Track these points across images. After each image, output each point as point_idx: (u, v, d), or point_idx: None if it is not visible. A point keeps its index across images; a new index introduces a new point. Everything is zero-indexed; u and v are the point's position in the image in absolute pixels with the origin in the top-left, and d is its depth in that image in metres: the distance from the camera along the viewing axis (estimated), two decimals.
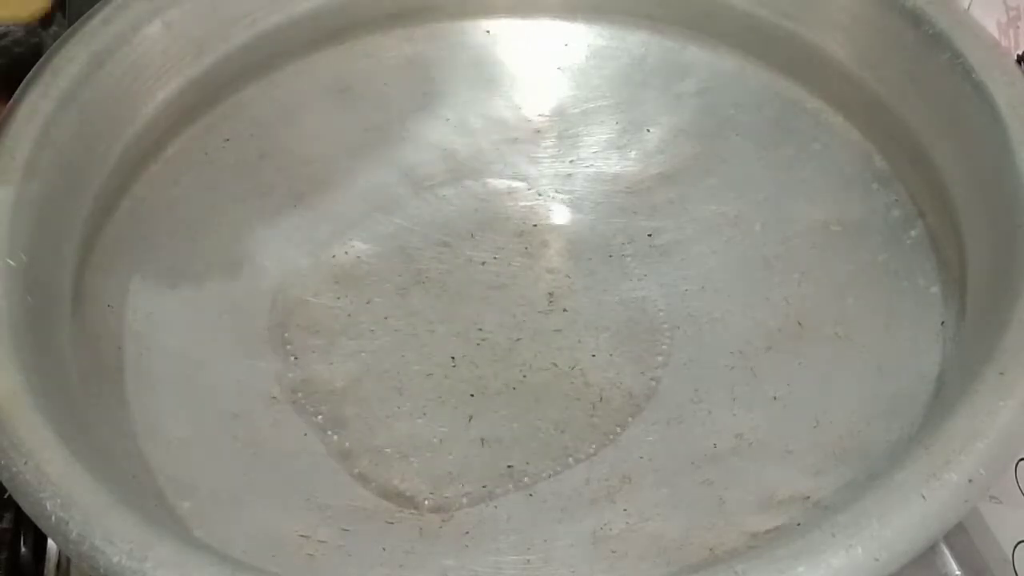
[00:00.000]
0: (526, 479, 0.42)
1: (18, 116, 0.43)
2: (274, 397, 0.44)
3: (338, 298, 0.48)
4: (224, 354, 0.46)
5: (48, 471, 0.34)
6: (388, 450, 0.43)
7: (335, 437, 0.43)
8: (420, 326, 0.47)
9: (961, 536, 0.45)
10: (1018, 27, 0.45)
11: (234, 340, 0.46)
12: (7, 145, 0.43)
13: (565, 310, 0.48)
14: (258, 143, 0.52)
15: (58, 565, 0.45)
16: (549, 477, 0.42)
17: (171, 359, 0.45)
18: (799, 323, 0.46)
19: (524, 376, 0.46)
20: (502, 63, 0.56)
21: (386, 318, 0.48)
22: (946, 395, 0.39)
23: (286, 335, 0.47)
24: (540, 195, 0.52)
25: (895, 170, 0.49)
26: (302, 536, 0.40)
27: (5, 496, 0.35)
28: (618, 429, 0.44)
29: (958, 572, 0.45)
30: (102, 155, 0.46)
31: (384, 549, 0.40)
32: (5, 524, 0.45)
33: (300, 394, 0.45)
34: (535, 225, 0.51)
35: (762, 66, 0.53)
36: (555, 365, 0.46)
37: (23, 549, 0.45)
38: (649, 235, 0.50)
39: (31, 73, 0.45)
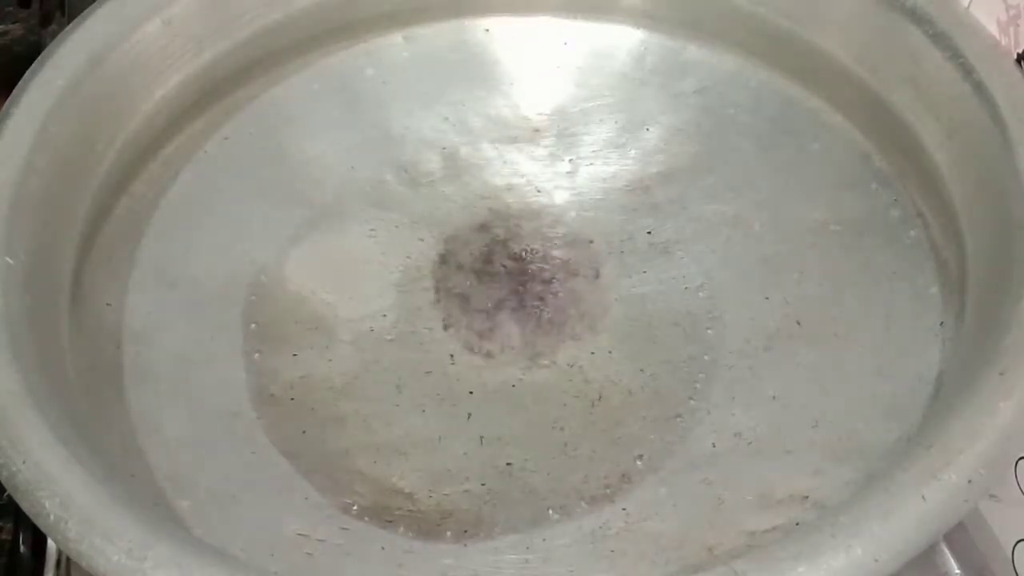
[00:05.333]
0: (525, 477, 0.42)
1: (17, 114, 0.43)
2: (272, 395, 0.44)
3: (337, 295, 0.48)
4: (223, 352, 0.45)
5: (47, 470, 0.34)
6: (387, 448, 0.43)
7: (334, 435, 0.43)
8: (419, 323, 0.47)
9: (961, 535, 0.45)
10: (1018, 25, 0.45)
11: (233, 338, 0.46)
12: (5, 143, 0.42)
13: (564, 308, 0.48)
14: (257, 141, 0.52)
15: (57, 564, 0.45)
16: (548, 475, 0.42)
17: (170, 357, 0.45)
18: (798, 323, 0.46)
19: (523, 374, 0.46)
20: (501, 62, 0.56)
21: (385, 315, 0.48)
22: (946, 395, 0.39)
23: (285, 332, 0.47)
24: (539, 192, 0.52)
25: (895, 170, 0.49)
26: (301, 535, 0.40)
27: (4, 496, 0.35)
28: (617, 427, 0.44)
29: (958, 571, 0.45)
30: (101, 153, 0.46)
31: (383, 548, 0.40)
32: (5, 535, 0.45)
33: (299, 391, 0.45)
34: (534, 223, 0.51)
35: (762, 66, 0.53)
36: (554, 363, 0.46)
37: (22, 548, 0.45)
38: (648, 233, 0.50)
39: (30, 71, 0.45)
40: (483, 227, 0.51)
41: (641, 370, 0.45)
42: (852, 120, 0.51)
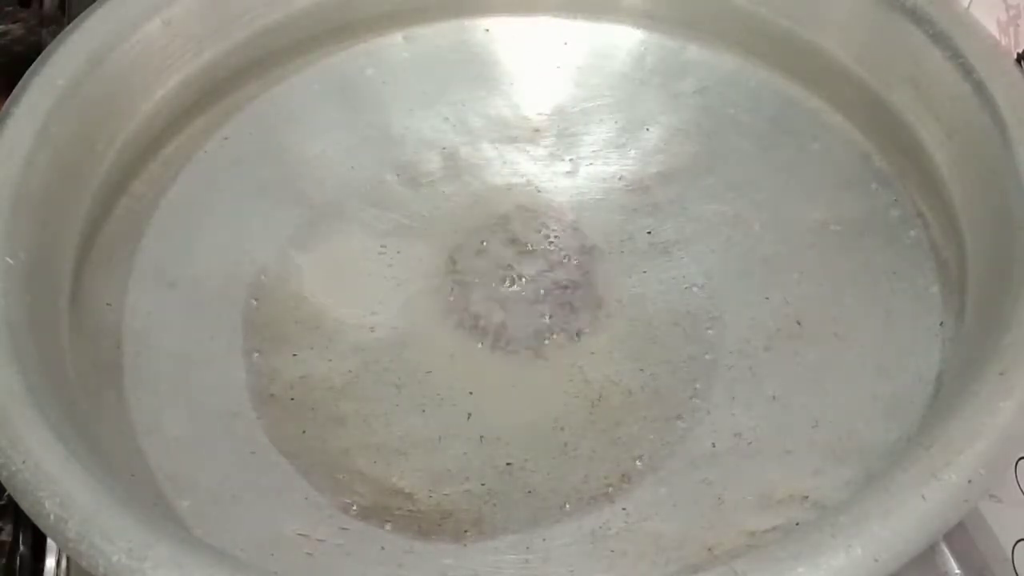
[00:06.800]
0: (525, 477, 0.42)
1: (17, 114, 0.43)
2: (272, 395, 0.44)
3: (337, 295, 0.48)
4: (222, 352, 0.45)
5: (47, 470, 0.34)
6: (387, 448, 0.43)
7: (334, 435, 0.43)
8: (419, 323, 0.47)
9: (961, 535, 0.45)
10: (1018, 25, 0.45)
11: (232, 338, 0.46)
12: (6, 142, 0.42)
13: (564, 308, 0.48)
14: (257, 141, 0.52)
15: (57, 564, 0.45)
16: (548, 475, 0.42)
17: (170, 357, 0.45)
18: (798, 323, 0.46)
19: (523, 374, 0.46)
20: (501, 62, 0.56)
21: (385, 315, 0.48)
22: (946, 395, 0.39)
23: (285, 332, 0.47)
24: (539, 192, 0.52)
25: (895, 170, 0.49)
26: (301, 535, 0.40)
27: (4, 496, 0.35)
28: (617, 427, 0.44)
29: (958, 571, 0.45)
30: (101, 153, 0.46)
31: (383, 548, 0.40)
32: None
33: (299, 391, 0.45)
34: (534, 223, 0.51)
35: (762, 65, 0.53)
36: (554, 363, 0.46)
37: (22, 548, 0.45)
38: (648, 233, 0.50)
39: (30, 70, 0.45)
40: (483, 227, 0.51)
41: (641, 370, 0.45)
42: (852, 120, 0.51)
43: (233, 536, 0.38)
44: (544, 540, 0.40)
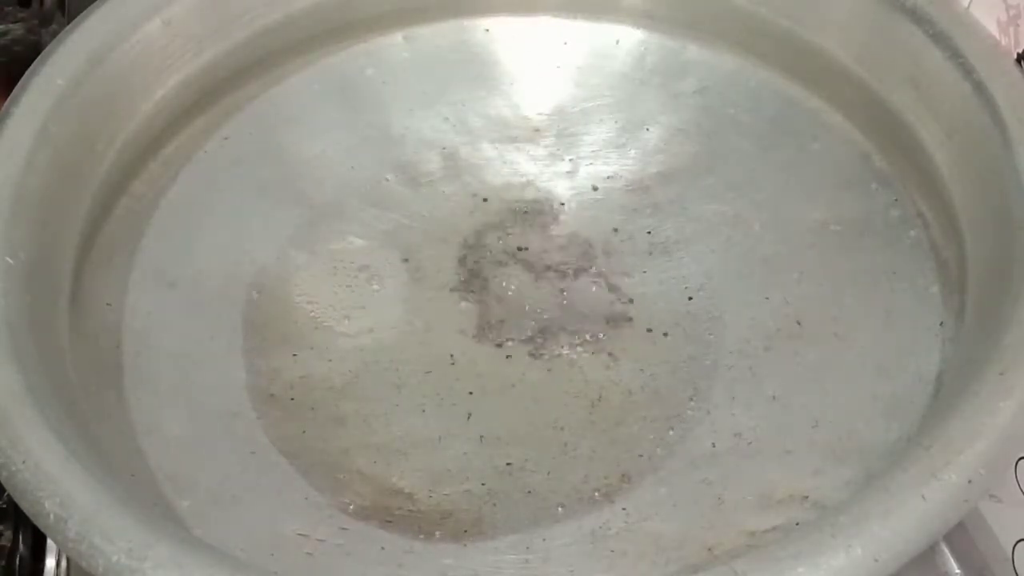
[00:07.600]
0: (525, 477, 0.42)
1: (17, 114, 0.43)
2: (272, 395, 0.44)
3: (337, 295, 0.48)
4: (222, 352, 0.45)
5: (47, 470, 0.33)
6: (387, 448, 0.43)
7: (334, 435, 0.43)
8: (419, 323, 0.47)
9: (961, 535, 0.45)
10: (1018, 25, 0.45)
11: (232, 338, 0.46)
12: (6, 142, 0.42)
13: (564, 308, 0.48)
14: (257, 141, 0.52)
15: (57, 564, 0.45)
16: (548, 475, 0.42)
17: (169, 357, 0.45)
18: (798, 323, 0.46)
19: (523, 374, 0.46)
20: (501, 62, 0.56)
21: (385, 315, 0.48)
22: (946, 395, 0.39)
23: (285, 332, 0.47)
24: (539, 192, 0.52)
25: (895, 170, 0.49)
26: (301, 535, 0.40)
27: (4, 496, 0.35)
28: (617, 428, 0.44)
29: (958, 571, 0.45)
30: (101, 153, 0.46)
31: (383, 548, 0.40)
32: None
33: (299, 391, 0.45)
34: (533, 223, 0.51)
35: (762, 65, 0.53)
36: (554, 363, 0.46)
37: (22, 549, 0.45)
38: (648, 233, 0.50)
39: (30, 70, 0.45)
40: (482, 227, 0.51)
41: (641, 370, 0.45)
42: (852, 120, 0.51)
43: (233, 536, 0.38)
44: (544, 540, 0.40)
